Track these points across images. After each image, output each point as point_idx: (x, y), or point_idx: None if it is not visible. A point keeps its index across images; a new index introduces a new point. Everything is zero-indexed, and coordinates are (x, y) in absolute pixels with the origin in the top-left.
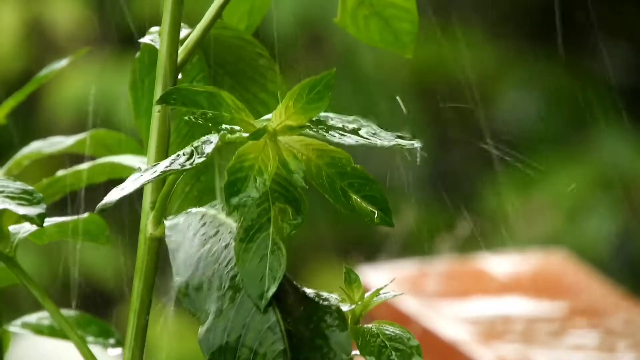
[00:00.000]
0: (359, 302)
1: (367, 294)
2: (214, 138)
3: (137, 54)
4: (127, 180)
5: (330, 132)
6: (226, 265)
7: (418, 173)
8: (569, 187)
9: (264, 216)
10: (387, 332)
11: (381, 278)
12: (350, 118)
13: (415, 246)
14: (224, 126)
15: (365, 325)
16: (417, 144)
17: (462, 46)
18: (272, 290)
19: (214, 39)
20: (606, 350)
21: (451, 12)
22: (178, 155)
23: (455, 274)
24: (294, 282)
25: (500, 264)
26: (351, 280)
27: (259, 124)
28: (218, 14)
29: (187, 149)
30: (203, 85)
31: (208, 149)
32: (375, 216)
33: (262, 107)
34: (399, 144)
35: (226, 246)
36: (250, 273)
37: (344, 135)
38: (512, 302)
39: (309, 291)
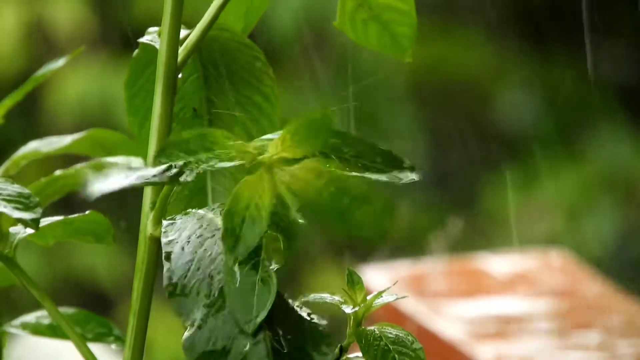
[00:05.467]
0: (362, 304)
1: (369, 297)
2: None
3: (135, 52)
4: (113, 177)
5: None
6: (218, 273)
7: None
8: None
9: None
10: (389, 334)
11: (381, 278)
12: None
13: (414, 246)
14: (220, 164)
15: (368, 328)
16: (415, 176)
17: (462, 46)
18: (261, 317)
19: (210, 40)
20: (606, 350)
21: (451, 12)
22: (170, 166)
23: (455, 274)
24: (284, 297)
25: (500, 264)
26: (354, 282)
27: (254, 149)
28: (217, 15)
29: (180, 162)
30: (196, 87)
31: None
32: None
33: (256, 110)
34: (397, 178)
35: (220, 253)
36: (239, 298)
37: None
38: (512, 302)
39: (299, 307)
